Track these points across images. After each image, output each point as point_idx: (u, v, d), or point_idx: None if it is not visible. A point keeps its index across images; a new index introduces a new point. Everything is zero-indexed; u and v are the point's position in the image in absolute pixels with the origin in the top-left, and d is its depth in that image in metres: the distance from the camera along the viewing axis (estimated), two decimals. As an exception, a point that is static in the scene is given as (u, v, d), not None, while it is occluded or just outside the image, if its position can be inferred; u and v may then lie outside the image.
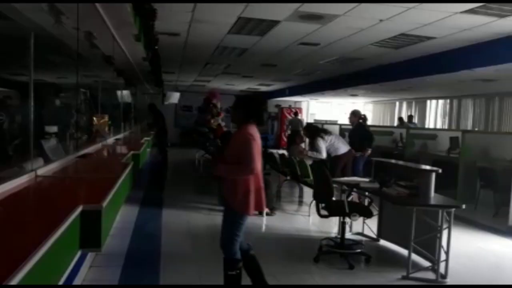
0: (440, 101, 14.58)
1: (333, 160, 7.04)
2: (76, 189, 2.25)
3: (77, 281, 3.55)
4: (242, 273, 3.32)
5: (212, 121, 17.31)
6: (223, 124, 17.41)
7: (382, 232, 5.31)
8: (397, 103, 16.61)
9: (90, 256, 4.11)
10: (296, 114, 17.48)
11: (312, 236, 5.51)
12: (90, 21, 4.39)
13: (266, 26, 6.40)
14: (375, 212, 5.48)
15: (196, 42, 7.88)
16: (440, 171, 4.27)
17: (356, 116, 8.40)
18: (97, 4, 3.72)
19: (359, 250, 4.63)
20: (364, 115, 8.13)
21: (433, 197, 4.27)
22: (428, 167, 4.56)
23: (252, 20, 6.12)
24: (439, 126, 14.38)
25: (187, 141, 16.66)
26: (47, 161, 2.61)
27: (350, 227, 5.64)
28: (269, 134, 19.67)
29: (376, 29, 6.24)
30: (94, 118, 5.73)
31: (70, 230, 1.56)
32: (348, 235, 5.49)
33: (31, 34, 2.41)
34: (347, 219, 4.64)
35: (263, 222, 6.16)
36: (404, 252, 4.60)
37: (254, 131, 3.17)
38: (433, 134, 9.79)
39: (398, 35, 6.56)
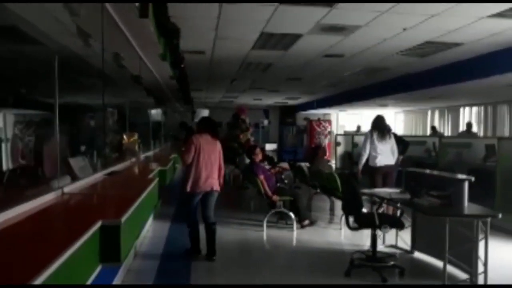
0: (474, 108, 14.13)
1: (370, 170, 6.72)
2: (99, 205, 2.29)
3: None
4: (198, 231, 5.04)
5: (241, 136, 17.51)
6: (252, 139, 17.57)
7: (416, 244, 5.14)
8: (429, 112, 16.21)
9: (119, 277, 4.16)
10: (358, 129, 17.21)
11: (344, 250, 5.38)
12: (117, 41, 4.54)
13: (289, 40, 6.44)
14: (407, 223, 5.33)
15: (222, 59, 8.01)
16: (473, 179, 4.11)
17: None
18: (121, 24, 3.84)
19: (392, 263, 4.49)
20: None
21: (467, 206, 4.11)
22: (460, 176, 4.40)
23: (275, 35, 6.17)
24: (474, 134, 13.89)
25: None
26: (75, 179, 2.69)
27: (383, 239, 5.50)
28: (298, 147, 19.52)
29: (400, 38, 6.16)
30: (124, 137, 5.88)
31: (89, 244, 1.60)
32: (380, 247, 5.35)
33: (55, 57, 2.53)
34: (379, 232, 4.54)
35: (294, 236, 6.10)
36: (440, 264, 4.42)
37: (199, 137, 4.91)
38: (467, 143, 9.46)
39: (423, 43, 6.45)
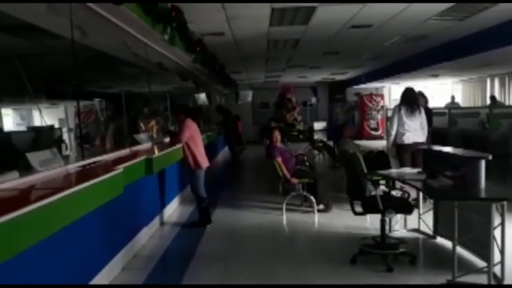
0: (541, 73, 12.67)
1: (397, 148, 6.30)
2: (11, 203, 2.15)
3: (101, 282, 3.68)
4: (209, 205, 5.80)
5: (288, 115, 17.16)
6: (299, 118, 17.17)
7: (438, 229, 4.71)
8: (488, 80, 14.77)
9: (123, 257, 4.24)
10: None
11: (363, 235, 5.00)
12: (114, 32, 4.52)
13: (304, 13, 6.09)
14: (427, 207, 4.93)
15: (245, 39, 7.80)
16: (490, 157, 3.63)
17: (424, 97, 7.71)
18: (103, 12, 3.79)
19: (402, 250, 4.14)
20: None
21: (484, 188, 3.64)
22: (473, 153, 3.91)
23: (287, 10, 5.87)
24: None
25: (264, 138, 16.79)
26: (31, 173, 2.63)
27: (405, 223, 5.12)
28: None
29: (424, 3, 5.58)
30: (141, 123, 5.92)
31: None
32: (403, 232, 5.00)
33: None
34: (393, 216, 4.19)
35: (315, 220, 5.86)
36: (461, 251, 4.03)
37: (189, 122, 5.62)
38: (523, 113, 8.56)
39: (456, 4, 5.77)
